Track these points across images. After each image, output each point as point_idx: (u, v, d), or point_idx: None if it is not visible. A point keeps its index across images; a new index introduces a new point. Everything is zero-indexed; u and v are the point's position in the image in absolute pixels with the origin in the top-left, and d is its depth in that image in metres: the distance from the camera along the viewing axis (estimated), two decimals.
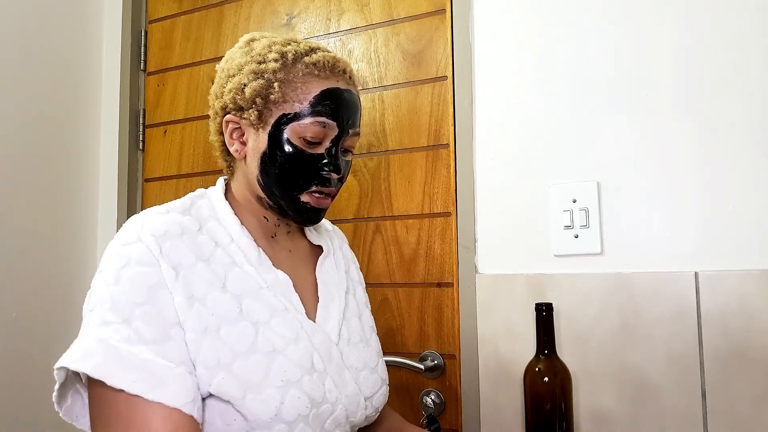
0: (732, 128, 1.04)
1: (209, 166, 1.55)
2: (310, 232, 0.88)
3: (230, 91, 0.76)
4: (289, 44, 0.76)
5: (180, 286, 0.66)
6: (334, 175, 0.76)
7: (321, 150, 0.76)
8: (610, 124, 1.13)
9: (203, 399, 0.66)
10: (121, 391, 0.59)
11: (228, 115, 0.77)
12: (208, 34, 1.58)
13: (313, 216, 0.78)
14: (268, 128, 0.74)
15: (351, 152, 0.81)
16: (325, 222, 0.95)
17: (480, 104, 1.24)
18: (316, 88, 0.74)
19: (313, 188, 0.76)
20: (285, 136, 0.74)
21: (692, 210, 1.06)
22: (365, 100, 1.37)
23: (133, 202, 1.62)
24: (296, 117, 0.74)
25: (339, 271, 0.87)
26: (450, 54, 1.29)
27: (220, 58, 1.54)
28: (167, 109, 1.62)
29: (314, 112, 0.74)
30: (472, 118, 1.24)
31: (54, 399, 0.65)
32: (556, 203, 1.15)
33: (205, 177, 1.55)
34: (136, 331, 0.62)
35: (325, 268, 0.84)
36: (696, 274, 1.03)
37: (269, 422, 0.65)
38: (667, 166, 1.08)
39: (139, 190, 1.64)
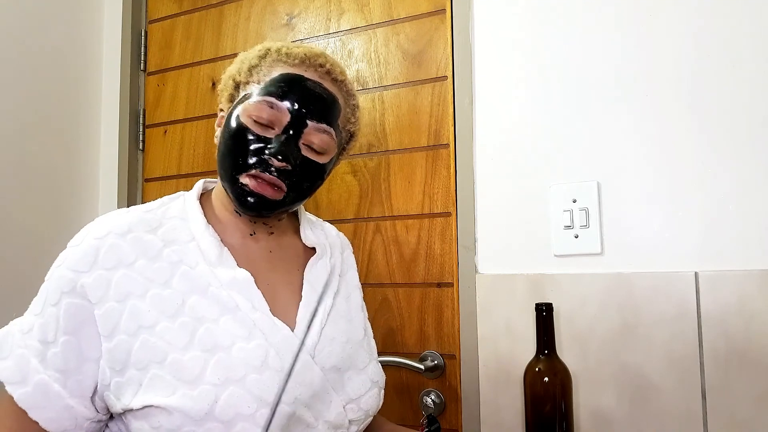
0: (732, 128, 1.04)
1: (209, 166, 1.55)
2: (305, 234, 0.86)
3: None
4: (283, 45, 0.78)
5: (113, 290, 0.66)
6: (275, 161, 0.71)
7: (270, 134, 0.73)
8: (610, 124, 1.13)
9: (129, 411, 0.66)
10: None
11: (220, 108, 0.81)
12: (208, 34, 1.58)
13: (251, 202, 0.72)
14: (229, 109, 0.78)
15: (324, 150, 0.76)
16: (329, 228, 0.95)
17: (480, 104, 1.24)
18: (277, 72, 0.75)
19: (253, 171, 0.72)
20: (236, 114, 0.74)
21: (692, 210, 1.06)
22: (365, 100, 1.37)
23: (133, 202, 1.62)
24: (250, 96, 0.75)
25: (333, 273, 0.85)
26: (450, 54, 1.29)
27: (220, 58, 1.55)
28: (167, 109, 1.62)
29: (266, 92, 0.73)
30: (472, 118, 1.24)
31: None
32: (556, 203, 1.15)
33: (205, 177, 1.55)
34: (39, 326, 0.66)
35: (315, 270, 0.83)
36: (696, 274, 1.03)
37: (199, 420, 0.63)
38: (667, 167, 1.08)
39: (139, 190, 1.64)
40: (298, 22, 1.47)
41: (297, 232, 0.87)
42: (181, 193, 0.81)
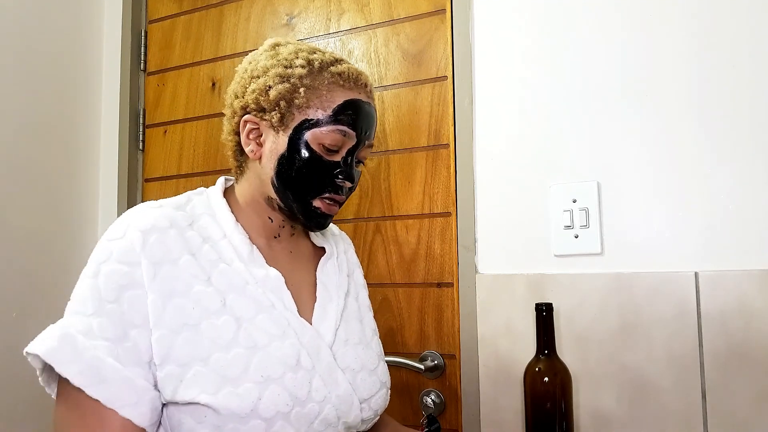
0: (733, 128, 1.04)
1: (209, 166, 1.55)
2: (315, 235, 0.88)
3: (253, 92, 0.77)
4: (315, 53, 0.78)
5: (158, 284, 0.67)
6: (348, 183, 0.78)
7: (337, 158, 0.77)
8: (610, 124, 1.13)
9: (172, 403, 0.66)
10: (77, 389, 0.62)
11: (247, 115, 0.78)
12: (208, 34, 1.58)
13: (321, 221, 0.79)
14: (289, 132, 0.76)
15: (362, 163, 0.83)
16: (332, 226, 0.96)
17: (480, 104, 1.24)
18: (339, 98, 0.76)
19: (326, 195, 0.77)
20: (305, 141, 0.75)
21: (692, 210, 1.06)
22: None
23: (133, 202, 1.62)
24: (318, 123, 0.75)
25: (341, 273, 0.87)
26: (450, 54, 1.29)
27: (220, 58, 1.55)
28: (167, 109, 1.62)
29: (336, 121, 0.75)
30: (472, 118, 1.24)
31: (42, 383, 0.66)
32: (556, 203, 1.15)
33: (205, 177, 1.55)
34: (99, 325, 0.64)
35: (326, 270, 0.85)
36: (696, 274, 1.03)
37: (244, 417, 0.65)
38: (667, 166, 1.08)
39: (139, 190, 1.64)
40: (298, 22, 1.47)
41: (306, 232, 0.89)
42: (203, 189, 0.82)
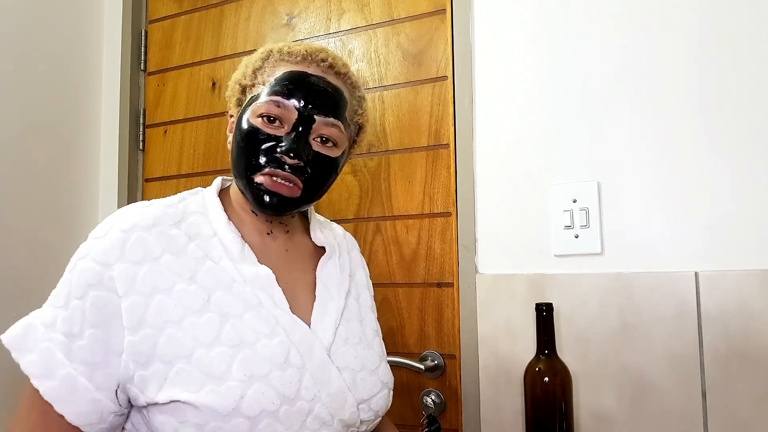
0: (733, 128, 1.04)
1: (209, 166, 1.55)
2: (315, 234, 0.87)
3: (229, 89, 0.82)
4: (285, 45, 0.79)
5: (139, 283, 0.66)
6: (287, 158, 0.73)
7: (281, 132, 0.75)
8: (610, 124, 1.13)
9: (153, 405, 0.66)
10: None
11: (229, 111, 0.83)
12: (208, 34, 1.58)
13: (268, 200, 0.73)
14: (238, 112, 0.79)
15: (334, 144, 0.77)
16: (336, 227, 0.96)
17: (480, 104, 1.24)
18: (281, 71, 0.77)
19: (267, 169, 0.73)
20: (246, 116, 0.76)
21: (692, 210, 1.06)
22: None
23: (133, 202, 1.62)
24: (257, 97, 0.76)
25: (343, 273, 0.86)
26: (450, 54, 1.29)
27: (220, 58, 1.55)
28: (167, 109, 1.62)
29: (272, 92, 0.75)
30: (472, 118, 1.24)
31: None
32: (556, 203, 1.15)
33: (205, 177, 1.55)
34: (62, 319, 0.65)
35: (326, 269, 0.84)
36: (696, 274, 1.03)
37: (226, 416, 0.64)
38: (667, 166, 1.08)
39: (139, 190, 1.64)
40: (298, 22, 1.47)
41: (306, 231, 0.89)
42: (199, 189, 0.82)
